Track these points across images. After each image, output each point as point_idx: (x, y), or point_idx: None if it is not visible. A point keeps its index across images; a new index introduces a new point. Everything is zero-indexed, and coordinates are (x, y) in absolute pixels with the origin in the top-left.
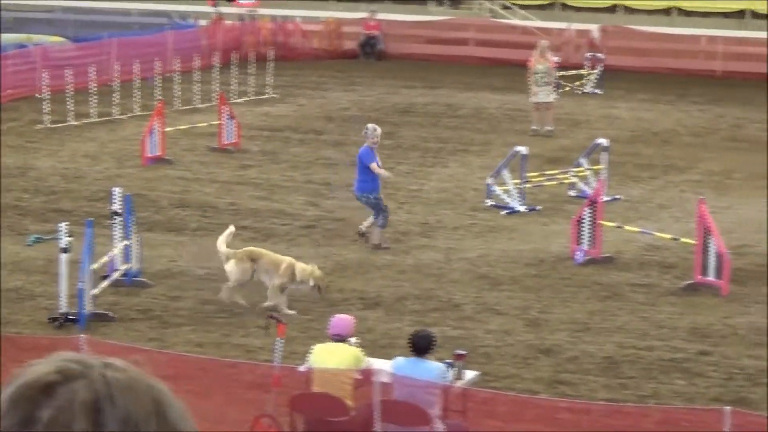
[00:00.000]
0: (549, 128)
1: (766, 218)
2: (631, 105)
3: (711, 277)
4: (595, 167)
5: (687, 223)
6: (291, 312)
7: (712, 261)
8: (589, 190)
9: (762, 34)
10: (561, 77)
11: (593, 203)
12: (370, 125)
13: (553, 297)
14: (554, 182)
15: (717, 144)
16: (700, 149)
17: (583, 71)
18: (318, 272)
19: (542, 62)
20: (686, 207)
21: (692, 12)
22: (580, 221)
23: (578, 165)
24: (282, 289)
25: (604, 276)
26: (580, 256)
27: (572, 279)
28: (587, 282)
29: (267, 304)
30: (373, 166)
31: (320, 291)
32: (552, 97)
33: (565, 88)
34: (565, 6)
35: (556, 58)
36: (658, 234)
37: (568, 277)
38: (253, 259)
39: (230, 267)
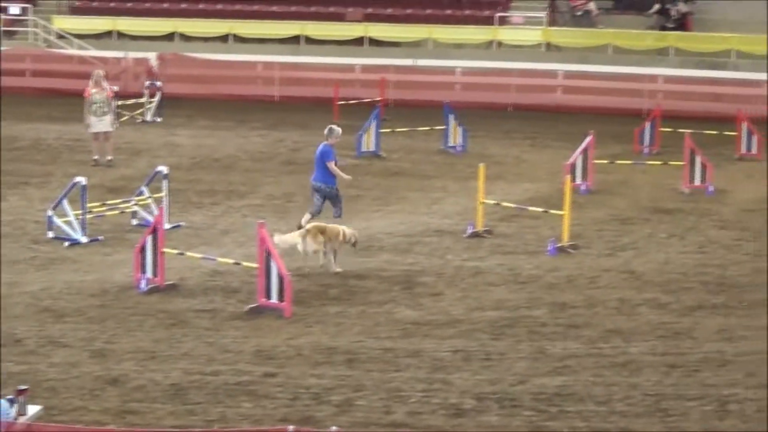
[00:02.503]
0: (109, 158)
1: None
2: (192, 132)
3: (274, 300)
4: (156, 195)
5: (250, 247)
6: (339, 269)
7: (274, 283)
8: (151, 218)
9: (315, 59)
10: (120, 106)
11: (155, 231)
12: (334, 126)
13: (119, 327)
14: (116, 212)
15: (276, 168)
16: (261, 174)
17: (142, 100)
18: (355, 231)
19: (99, 92)
20: (248, 231)
21: (248, 39)
22: (142, 249)
23: (140, 193)
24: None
25: (169, 303)
26: (143, 285)
27: (137, 308)
28: (152, 310)
29: (335, 269)
30: (331, 164)
31: (356, 245)
32: (111, 127)
33: (125, 117)
34: (121, 34)
35: (114, 88)
36: (221, 259)
37: (133, 306)
38: (322, 232)
39: (308, 242)
